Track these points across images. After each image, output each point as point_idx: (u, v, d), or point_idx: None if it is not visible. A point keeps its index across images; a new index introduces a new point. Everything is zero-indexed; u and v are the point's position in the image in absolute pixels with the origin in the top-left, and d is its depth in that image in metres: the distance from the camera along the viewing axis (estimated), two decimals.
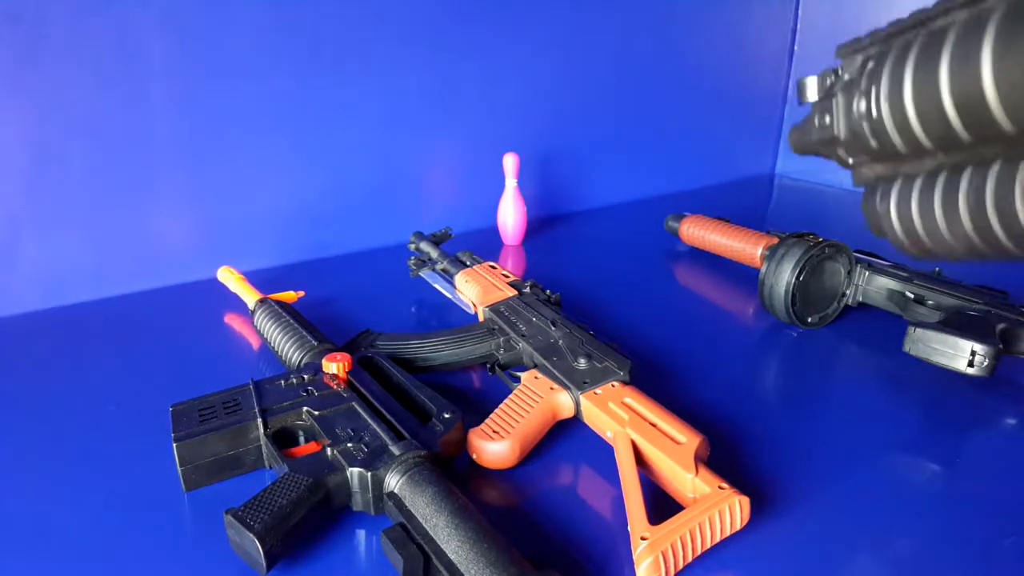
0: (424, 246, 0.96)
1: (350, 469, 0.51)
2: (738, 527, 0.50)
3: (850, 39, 0.35)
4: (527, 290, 0.81)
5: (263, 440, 0.57)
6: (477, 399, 0.70)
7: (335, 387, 0.61)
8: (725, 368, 0.76)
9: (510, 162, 1.08)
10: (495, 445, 0.58)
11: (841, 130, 0.35)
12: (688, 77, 1.37)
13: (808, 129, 0.38)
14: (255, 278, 0.91)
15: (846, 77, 0.35)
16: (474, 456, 0.59)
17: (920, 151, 0.31)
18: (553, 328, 0.72)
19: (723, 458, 0.59)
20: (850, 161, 0.37)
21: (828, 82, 0.37)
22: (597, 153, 1.31)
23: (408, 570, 0.45)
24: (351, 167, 1.07)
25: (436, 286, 0.91)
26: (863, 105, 0.33)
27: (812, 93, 0.38)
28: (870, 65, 0.33)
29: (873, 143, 0.33)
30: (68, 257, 0.90)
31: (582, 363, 0.65)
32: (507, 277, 0.84)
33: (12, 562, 0.50)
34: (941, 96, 0.28)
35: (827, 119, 0.36)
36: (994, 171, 0.28)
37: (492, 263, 0.88)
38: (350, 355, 0.65)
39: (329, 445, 0.54)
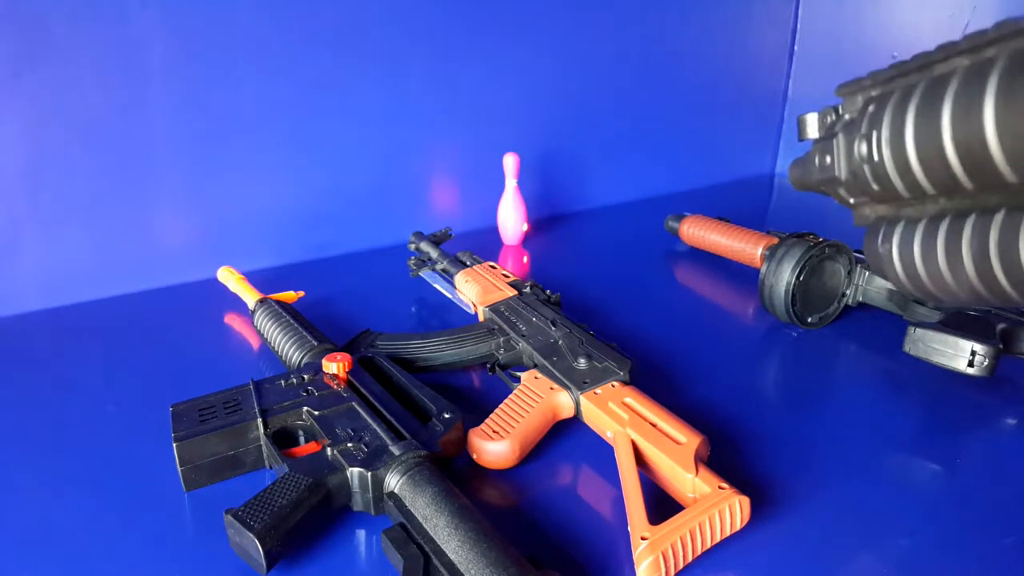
0: (424, 246, 0.96)
1: (350, 469, 0.51)
2: (738, 527, 0.50)
3: (851, 79, 0.35)
4: (527, 290, 0.81)
5: (263, 440, 0.57)
6: (477, 399, 0.70)
7: (335, 387, 0.61)
8: (725, 368, 0.76)
9: (510, 162, 1.08)
10: (495, 445, 0.58)
11: (842, 171, 0.35)
12: (688, 77, 1.37)
13: (809, 167, 0.38)
14: (255, 278, 0.91)
15: (847, 117, 0.35)
16: (474, 456, 0.59)
17: (922, 195, 0.31)
18: (553, 328, 0.72)
19: (723, 458, 0.59)
20: (851, 201, 0.37)
21: (829, 120, 0.37)
22: (597, 153, 1.31)
23: (408, 570, 0.45)
24: (351, 167, 1.06)
25: (436, 286, 0.91)
26: (864, 148, 0.33)
27: (812, 131, 0.38)
28: (871, 108, 0.32)
29: (874, 186, 0.33)
30: (68, 257, 0.90)
31: (582, 363, 0.65)
32: (507, 277, 0.84)
33: (12, 562, 0.50)
34: (943, 144, 0.28)
35: (828, 159, 0.36)
36: (998, 220, 0.28)
37: (492, 263, 0.88)
38: (350, 355, 0.65)
39: (329, 445, 0.54)
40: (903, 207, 0.33)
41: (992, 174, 0.26)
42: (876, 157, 0.32)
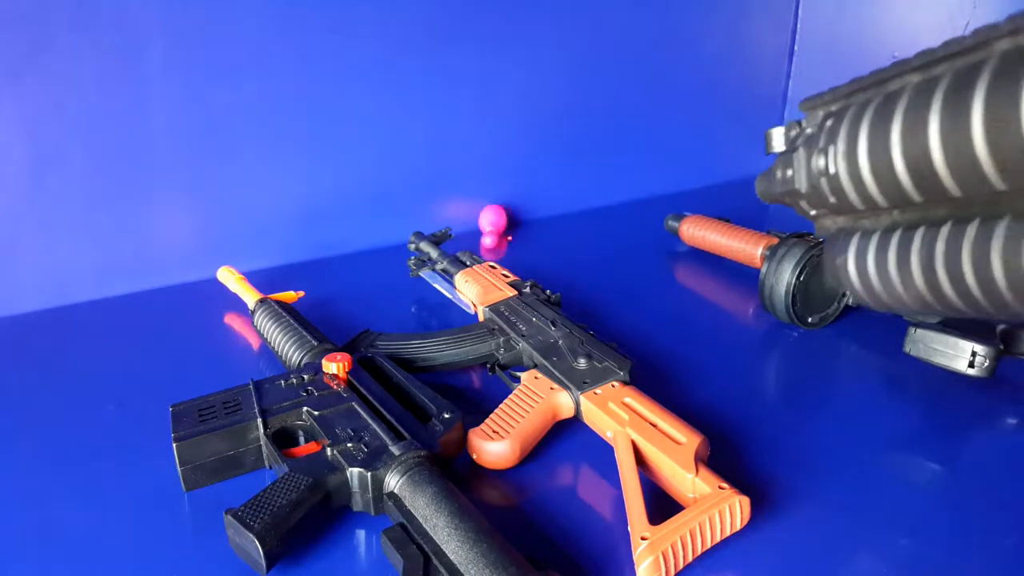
0: (424, 246, 0.96)
1: (350, 469, 0.51)
2: (738, 527, 0.50)
3: (812, 94, 0.37)
4: (527, 290, 0.81)
5: (263, 440, 0.57)
6: (477, 399, 0.70)
7: (335, 387, 0.61)
8: (725, 368, 0.76)
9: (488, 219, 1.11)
10: (495, 445, 0.58)
11: (802, 184, 0.36)
12: (688, 77, 1.37)
13: (772, 180, 0.40)
14: (255, 278, 0.91)
15: (808, 131, 0.37)
16: (474, 456, 0.59)
17: (876, 208, 0.32)
18: (553, 328, 0.72)
19: (723, 458, 0.59)
20: (812, 213, 0.38)
21: (792, 134, 0.38)
22: (596, 153, 1.31)
23: (408, 570, 0.45)
24: (351, 167, 1.06)
25: (436, 286, 0.91)
26: (821, 162, 0.34)
27: (778, 144, 0.39)
28: (829, 123, 0.34)
29: (831, 198, 0.34)
30: (68, 257, 0.90)
31: (582, 363, 0.65)
32: (507, 277, 0.84)
33: (12, 562, 0.50)
34: (893, 158, 0.29)
35: (789, 172, 0.37)
36: (944, 232, 0.29)
37: (492, 263, 0.88)
38: (350, 355, 0.65)
39: (329, 445, 0.54)
40: (859, 219, 0.35)
41: (937, 188, 0.28)
42: (832, 170, 0.33)
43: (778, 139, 0.39)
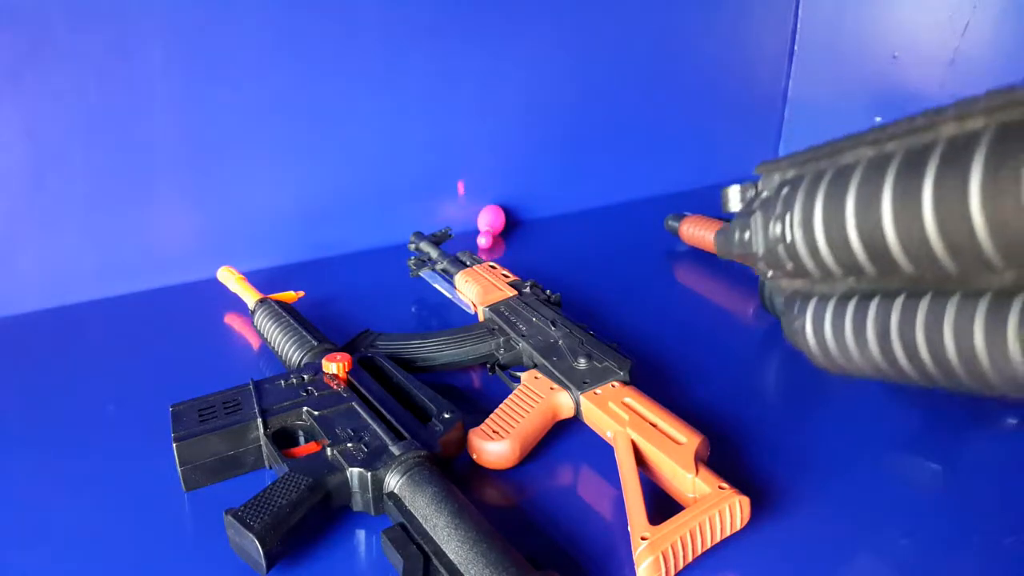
0: (424, 246, 0.96)
1: (350, 469, 0.52)
2: (738, 527, 0.50)
3: (769, 159, 0.38)
4: (527, 290, 0.81)
5: (263, 440, 0.57)
6: (477, 399, 0.70)
7: (335, 387, 0.62)
8: (725, 368, 0.76)
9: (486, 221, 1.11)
10: (495, 445, 0.58)
11: (759, 248, 0.37)
12: (688, 77, 1.37)
13: (730, 239, 0.40)
14: (255, 278, 0.91)
15: (764, 194, 0.37)
16: (474, 456, 0.59)
17: (831, 275, 0.33)
18: (553, 328, 0.72)
19: (723, 458, 0.59)
20: (769, 274, 0.39)
21: (749, 195, 0.39)
22: (596, 153, 1.31)
23: (408, 570, 0.45)
24: (351, 167, 1.06)
25: (436, 286, 0.91)
26: (778, 229, 0.35)
27: (734, 203, 0.41)
28: (785, 190, 0.34)
29: (788, 264, 0.35)
30: (68, 257, 0.90)
31: (582, 363, 0.65)
32: (507, 277, 0.84)
33: (12, 562, 0.50)
34: (848, 231, 0.30)
35: (746, 235, 0.38)
36: (898, 304, 0.30)
37: (492, 263, 0.88)
38: (350, 355, 0.65)
39: (329, 445, 0.54)
40: (816, 284, 0.35)
41: (891, 263, 0.29)
42: (789, 238, 0.34)
43: (735, 198, 0.40)
